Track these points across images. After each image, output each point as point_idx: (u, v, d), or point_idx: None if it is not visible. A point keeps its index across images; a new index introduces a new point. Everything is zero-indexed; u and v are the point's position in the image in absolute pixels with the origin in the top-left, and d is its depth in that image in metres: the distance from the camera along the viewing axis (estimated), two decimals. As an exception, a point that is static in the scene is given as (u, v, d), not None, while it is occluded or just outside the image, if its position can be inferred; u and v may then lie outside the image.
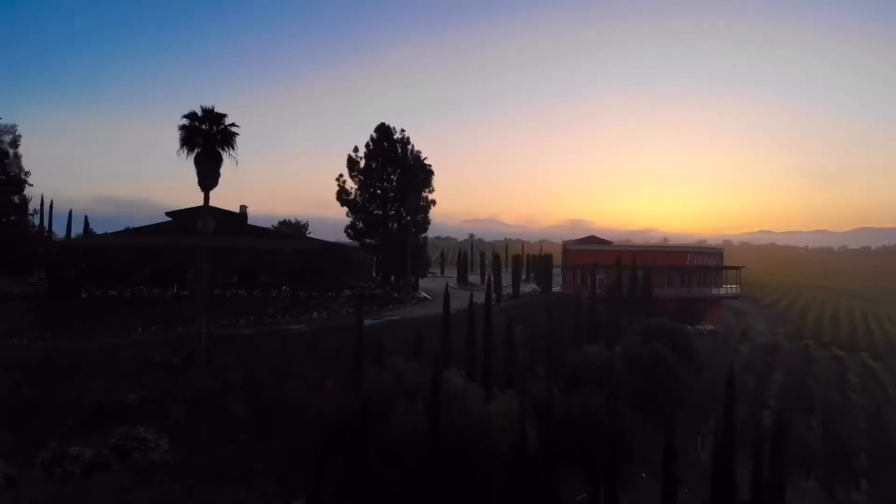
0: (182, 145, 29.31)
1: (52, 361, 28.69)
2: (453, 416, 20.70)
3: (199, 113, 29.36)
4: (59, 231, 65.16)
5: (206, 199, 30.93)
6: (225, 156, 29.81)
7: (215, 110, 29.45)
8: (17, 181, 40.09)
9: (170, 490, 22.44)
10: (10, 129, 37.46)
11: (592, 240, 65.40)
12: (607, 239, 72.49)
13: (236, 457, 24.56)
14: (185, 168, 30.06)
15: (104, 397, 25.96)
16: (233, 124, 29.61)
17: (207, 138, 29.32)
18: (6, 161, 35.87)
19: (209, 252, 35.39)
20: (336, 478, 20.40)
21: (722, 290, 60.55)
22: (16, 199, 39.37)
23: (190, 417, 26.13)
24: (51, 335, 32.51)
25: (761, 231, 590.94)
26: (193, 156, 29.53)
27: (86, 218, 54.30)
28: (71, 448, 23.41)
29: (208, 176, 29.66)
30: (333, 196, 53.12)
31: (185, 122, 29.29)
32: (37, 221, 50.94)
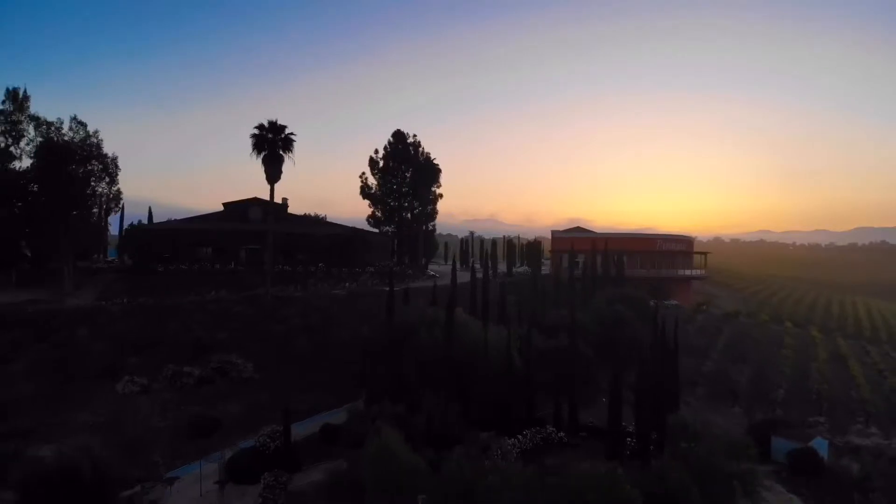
0: (253, 149, 37.53)
1: (159, 311, 37.03)
2: (461, 337, 28.94)
3: (266, 125, 37.60)
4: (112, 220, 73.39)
5: (272, 192, 38.92)
6: (287, 158, 37.98)
7: (278, 122, 37.74)
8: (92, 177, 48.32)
9: (258, 396, 30.75)
10: None
11: (577, 229, 73.75)
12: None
13: (302, 377, 32.75)
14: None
15: (202, 335, 34.24)
16: (292, 133, 37.92)
17: (273, 144, 37.49)
18: (106, 160, 44.01)
19: (258, 234, 43.62)
20: (381, 381, 28.53)
21: (688, 272, 68.77)
22: (108, 190, 47.44)
23: (265, 350, 34.39)
24: (145, 296, 40.67)
25: (760, 231, 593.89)
26: (261, 157, 37.70)
27: (150, 209, 62.56)
28: (185, 368, 31.77)
29: (273, 173, 37.77)
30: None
31: (256, 131, 37.54)
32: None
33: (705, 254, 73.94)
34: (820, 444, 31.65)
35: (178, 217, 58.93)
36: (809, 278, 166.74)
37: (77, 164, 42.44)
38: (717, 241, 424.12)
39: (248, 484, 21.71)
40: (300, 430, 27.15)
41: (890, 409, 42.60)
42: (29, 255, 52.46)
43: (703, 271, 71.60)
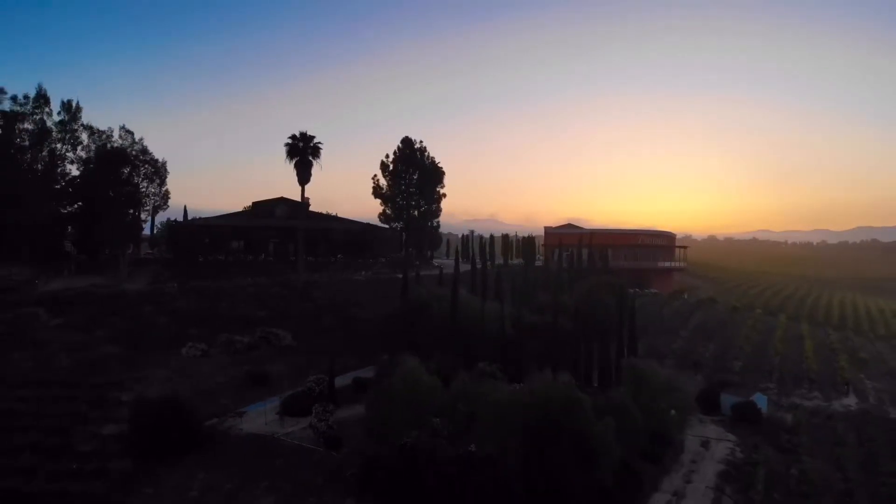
0: (287, 156, 43.90)
1: (208, 293, 43.28)
2: (463, 310, 35.20)
3: (298, 135, 43.98)
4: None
5: (303, 193, 45.37)
6: (316, 164, 44.38)
7: (308, 133, 44.14)
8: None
9: (297, 359, 36.92)
10: None
11: (568, 226, 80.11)
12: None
13: (331, 345, 38.93)
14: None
15: (247, 312, 40.53)
16: (319, 142, 44.32)
17: (303, 152, 43.84)
18: (158, 165, 50.26)
19: (284, 229, 49.79)
20: (400, 344, 34.74)
21: (667, 264, 75.14)
22: (159, 190, 53.69)
23: (299, 324, 40.65)
24: (192, 282, 46.90)
25: (760, 230, 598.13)
26: (293, 163, 44.05)
27: (185, 207, 68.68)
28: (236, 337, 38.02)
29: (303, 176, 44.13)
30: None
31: (289, 141, 43.92)
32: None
33: (684, 248, 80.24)
34: (760, 399, 37.96)
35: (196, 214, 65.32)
36: (795, 274, 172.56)
37: (132, 168, 48.78)
38: (712, 239, 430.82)
39: (300, 416, 27.96)
40: (336, 383, 33.35)
41: (833, 380, 48.74)
42: (74, 249, 58.92)
43: (682, 263, 77.90)
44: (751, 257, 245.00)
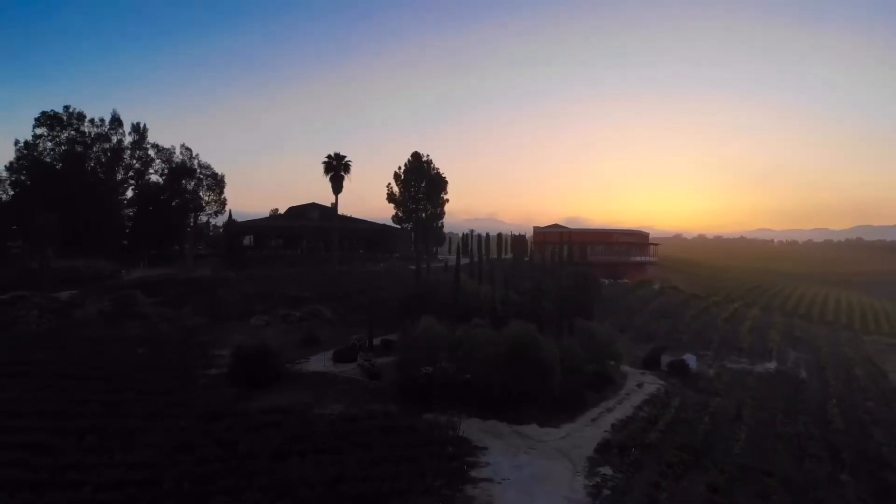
0: (324, 172, 54.61)
1: (265, 279, 53.95)
2: (464, 293, 45.81)
3: (333, 154, 54.67)
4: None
5: (336, 201, 55.95)
6: (346, 177, 55.12)
7: (340, 153, 54.87)
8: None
9: (337, 328, 47.42)
10: None
11: (555, 226, 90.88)
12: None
13: (361, 318, 49.47)
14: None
15: (296, 293, 51.10)
16: (349, 160, 54.99)
17: (337, 168, 54.48)
18: (218, 178, 60.89)
19: (316, 229, 60.44)
20: (416, 317, 45.34)
21: (639, 258, 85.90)
22: (218, 198, 64.46)
23: (336, 303, 51.27)
24: (247, 270, 57.52)
25: (760, 229, 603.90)
26: (329, 176, 54.73)
27: (230, 211, 79.40)
28: (290, 311, 48.64)
29: (337, 187, 54.74)
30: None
31: (325, 160, 54.60)
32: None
33: (656, 244, 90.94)
34: (690, 358, 48.43)
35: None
36: (770, 269, 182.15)
37: (196, 181, 59.52)
38: (701, 237, 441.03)
39: (347, 363, 38.55)
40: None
41: (762, 350, 59.13)
42: (139, 247, 69.63)
43: (654, 258, 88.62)
44: (735, 254, 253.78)
